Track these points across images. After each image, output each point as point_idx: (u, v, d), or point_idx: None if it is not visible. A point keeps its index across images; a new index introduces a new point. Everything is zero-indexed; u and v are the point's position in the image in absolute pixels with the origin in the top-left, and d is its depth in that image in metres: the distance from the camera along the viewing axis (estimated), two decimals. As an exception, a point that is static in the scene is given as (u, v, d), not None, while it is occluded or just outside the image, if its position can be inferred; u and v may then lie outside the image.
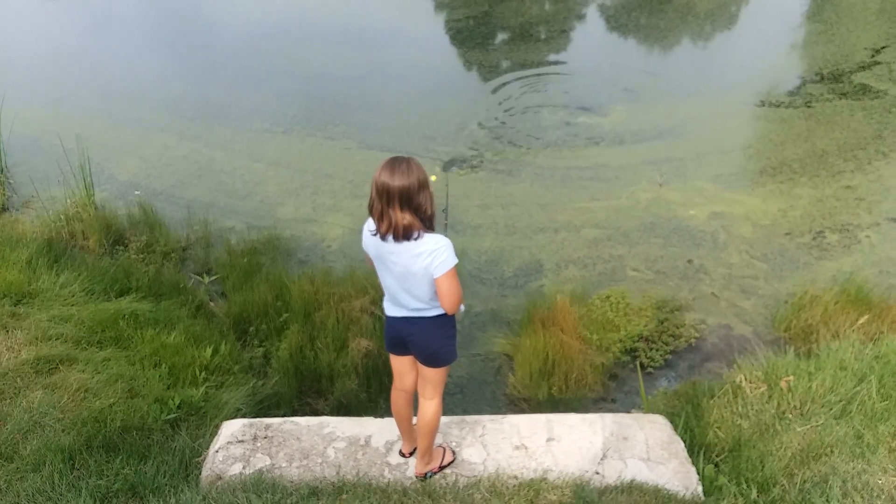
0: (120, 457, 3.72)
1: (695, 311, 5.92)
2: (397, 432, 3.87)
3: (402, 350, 3.43)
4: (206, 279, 6.22)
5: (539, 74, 11.14)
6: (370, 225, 3.12)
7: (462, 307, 3.24)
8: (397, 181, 2.87)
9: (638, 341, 5.52)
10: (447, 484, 3.53)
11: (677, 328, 5.68)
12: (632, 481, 3.45)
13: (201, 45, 12.73)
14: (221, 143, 9.08)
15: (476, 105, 10.03)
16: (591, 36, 13.28)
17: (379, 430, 3.96)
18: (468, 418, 4.06)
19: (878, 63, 10.97)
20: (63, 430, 3.84)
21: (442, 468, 3.69)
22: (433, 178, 4.83)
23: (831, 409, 4.17)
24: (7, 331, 4.86)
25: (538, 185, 8.00)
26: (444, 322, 3.26)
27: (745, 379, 4.54)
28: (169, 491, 3.39)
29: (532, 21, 13.71)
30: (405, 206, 2.90)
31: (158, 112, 9.96)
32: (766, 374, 4.58)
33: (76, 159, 7.49)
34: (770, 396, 4.40)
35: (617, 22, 13.88)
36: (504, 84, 10.76)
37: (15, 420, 3.83)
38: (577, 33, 13.26)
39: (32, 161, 8.47)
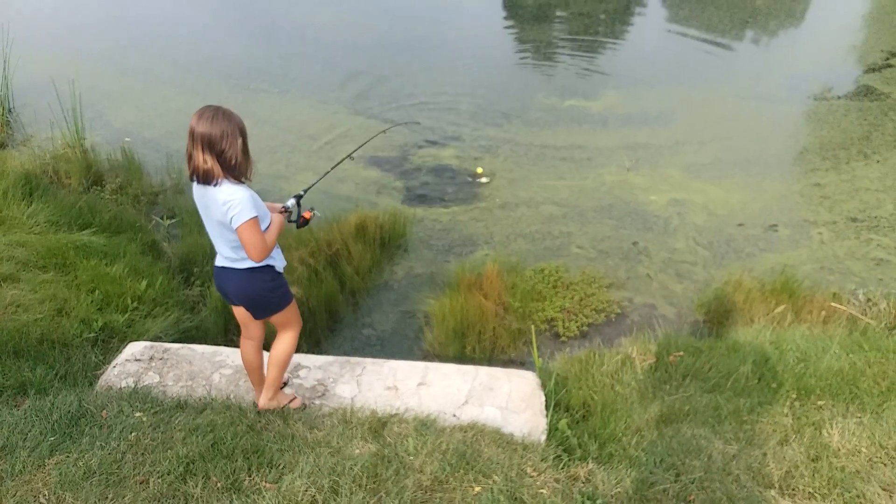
0: (26, 361, 4.07)
1: (625, 290, 6.03)
2: (281, 366, 4.15)
3: (231, 300, 3.50)
4: (167, 221, 6.58)
5: (550, 54, 11.26)
6: None
7: (276, 260, 3.37)
8: (200, 127, 3.01)
9: (559, 312, 5.68)
10: (308, 412, 3.78)
11: (602, 303, 5.80)
12: (475, 422, 3.66)
13: (256, 13, 13.13)
14: (217, 99, 9.43)
15: (478, 81, 10.20)
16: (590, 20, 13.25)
17: (265, 364, 4.23)
18: (352, 359, 4.30)
19: (891, 66, 10.74)
20: (-18, 335, 4.22)
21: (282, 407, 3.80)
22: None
23: (706, 384, 4.30)
24: (-36, 248, 5.28)
25: (510, 161, 8.14)
26: (258, 275, 3.33)
27: (637, 351, 4.68)
28: (52, 391, 3.73)
29: (552, 3, 13.78)
30: (206, 151, 3.02)
31: (170, 67, 10.41)
32: (660, 348, 4.71)
33: (75, 104, 7.91)
34: (656, 368, 4.53)
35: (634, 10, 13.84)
36: (520, 62, 10.96)
37: (-60, 321, 4.22)
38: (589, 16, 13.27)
39: (38, 103, 8.91)
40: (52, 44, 11.13)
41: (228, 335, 5.39)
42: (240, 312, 3.55)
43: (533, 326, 5.27)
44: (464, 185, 7.61)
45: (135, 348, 4.33)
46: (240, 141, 3.09)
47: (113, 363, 4.22)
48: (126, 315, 4.95)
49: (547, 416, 3.87)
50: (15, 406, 3.64)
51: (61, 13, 12.69)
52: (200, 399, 3.85)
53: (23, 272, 5.18)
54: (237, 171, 3.12)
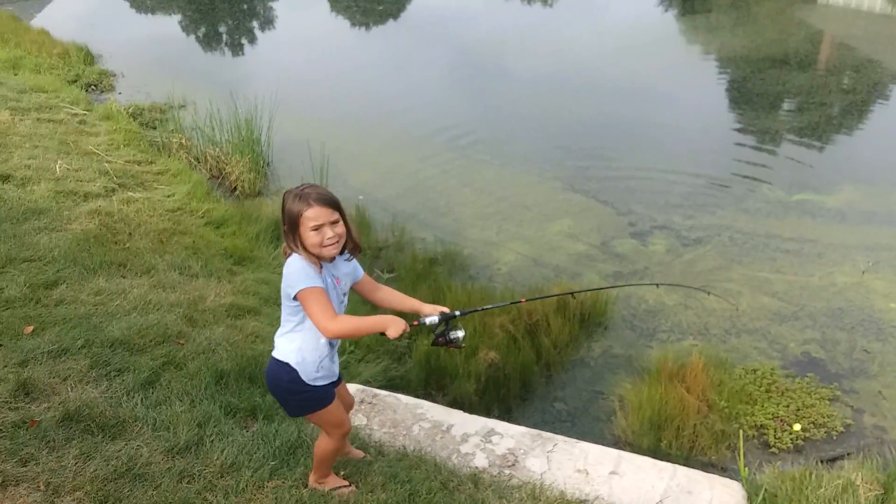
0: (258, 388, 4.60)
1: (851, 406, 5.43)
2: (477, 427, 4.30)
3: None
4: (386, 275, 7.10)
5: (779, 143, 10.74)
6: None
7: (303, 363, 3.03)
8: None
9: (771, 419, 5.24)
10: (498, 479, 3.85)
11: (822, 417, 5.27)
12: (667, 526, 3.48)
13: (484, 89, 14.04)
14: (440, 165, 10.13)
15: (697, 167, 9.94)
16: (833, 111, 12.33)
17: (462, 423, 4.39)
18: (544, 434, 4.31)
19: None
20: (226, 358, 4.83)
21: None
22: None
23: (949, 531, 3.72)
24: (220, 281, 6.13)
25: (721, 249, 7.77)
26: (280, 367, 3.07)
27: (863, 478, 4.18)
28: (277, 419, 4.16)
29: (791, 91, 13.14)
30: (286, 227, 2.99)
31: (406, 136, 11.36)
32: (890, 478, 4.17)
33: (323, 163, 8.98)
34: (883, 501, 4.02)
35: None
36: (738, 145, 10.61)
37: (196, 342, 4.91)
38: (830, 108, 12.42)
39: (292, 160, 10.12)
40: (311, 110, 12.65)
41: (428, 388, 5.67)
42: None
43: (741, 431, 4.92)
44: (669, 266, 7.39)
45: (349, 389, 4.70)
46: (290, 220, 2.97)
47: (328, 401, 4.61)
48: (342, 357, 5.40)
49: (750, 533, 3.58)
50: (245, 428, 4.11)
51: (322, 84, 14.40)
52: (400, 448, 4.08)
53: (264, 307, 5.89)
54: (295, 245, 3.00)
